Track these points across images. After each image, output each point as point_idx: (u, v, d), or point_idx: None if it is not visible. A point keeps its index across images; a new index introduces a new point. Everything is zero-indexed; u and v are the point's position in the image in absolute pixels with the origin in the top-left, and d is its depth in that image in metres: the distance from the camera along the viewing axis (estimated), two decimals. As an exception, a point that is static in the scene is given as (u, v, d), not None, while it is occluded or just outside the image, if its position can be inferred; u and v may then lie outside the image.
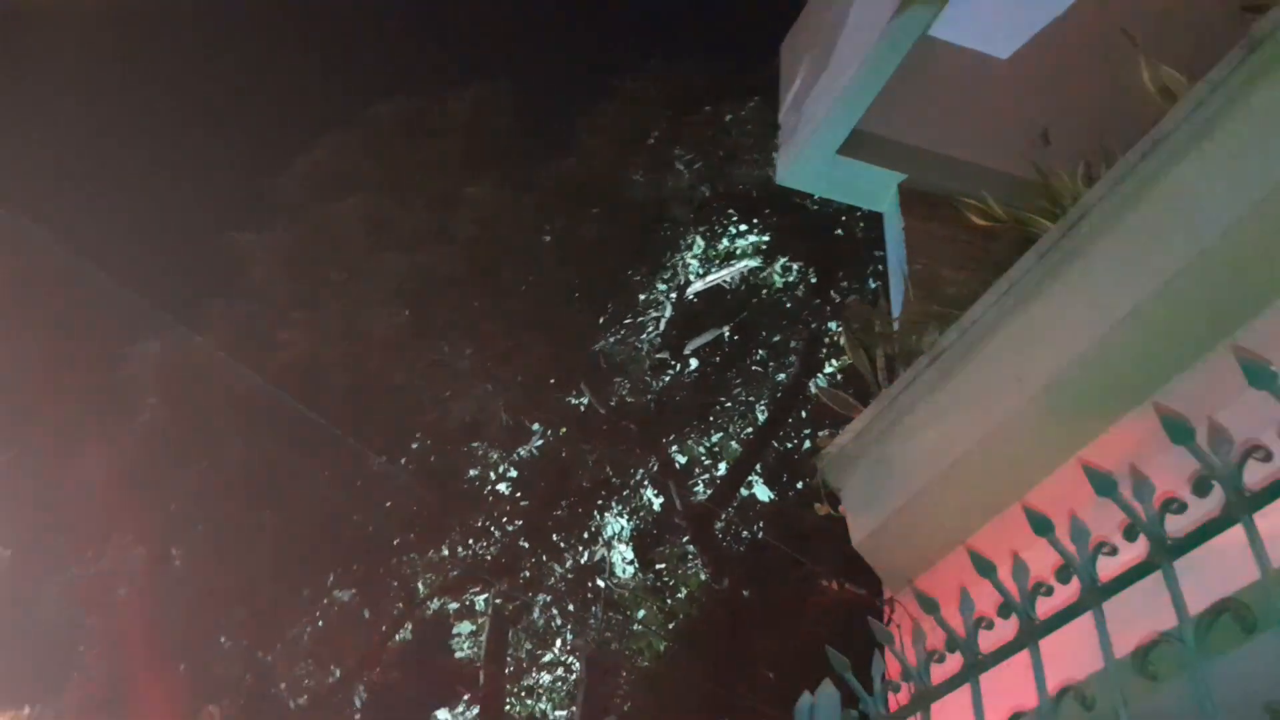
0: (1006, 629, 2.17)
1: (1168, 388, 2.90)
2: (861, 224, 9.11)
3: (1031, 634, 2.14)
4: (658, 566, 10.28)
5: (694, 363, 9.96)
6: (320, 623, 8.95)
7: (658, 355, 9.07)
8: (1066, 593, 2.09)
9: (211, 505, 8.19)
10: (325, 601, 9.35)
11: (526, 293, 7.86)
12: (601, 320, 8.71)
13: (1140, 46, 3.15)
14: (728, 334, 9.84)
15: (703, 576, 9.20)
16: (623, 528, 10.30)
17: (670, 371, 9.66)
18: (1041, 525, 2.07)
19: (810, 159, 6.08)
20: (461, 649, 11.41)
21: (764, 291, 9.66)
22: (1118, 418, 3.03)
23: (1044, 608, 2.17)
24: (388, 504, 8.60)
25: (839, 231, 9.15)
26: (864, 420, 3.70)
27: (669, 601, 9.15)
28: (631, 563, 10.41)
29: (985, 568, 2.13)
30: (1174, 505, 1.94)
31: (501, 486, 10.30)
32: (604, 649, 9.96)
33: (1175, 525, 1.94)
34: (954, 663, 2.25)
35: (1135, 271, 2.86)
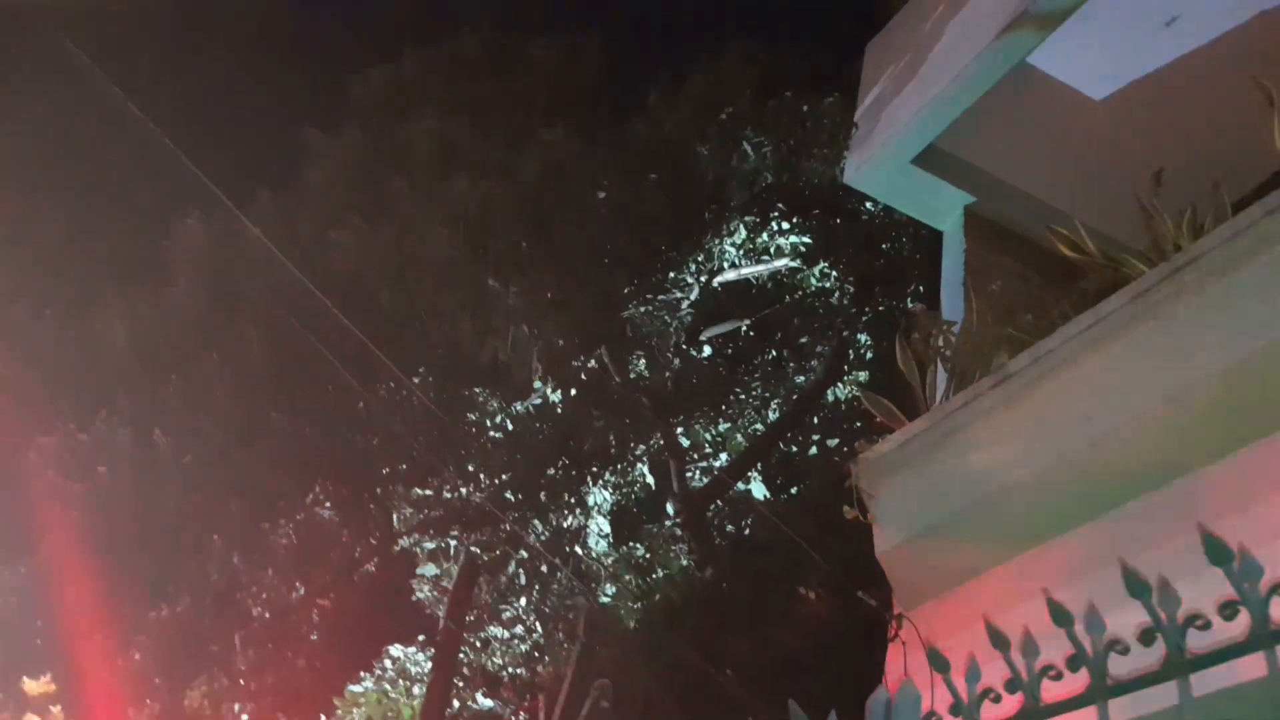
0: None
1: (1243, 453, 2.83)
2: (908, 243, 9.01)
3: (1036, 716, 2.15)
4: (632, 544, 10.25)
5: (716, 351, 9.87)
6: (295, 538, 8.92)
7: (684, 336, 9.00)
8: (1075, 681, 2.12)
9: (217, 396, 8.11)
10: (303, 517, 9.29)
11: (575, 247, 7.77)
12: (636, 289, 8.62)
13: (1275, 105, 3.05)
14: (755, 329, 9.76)
15: (684, 561, 9.16)
16: (605, 499, 10.25)
17: (693, 354, 9.58)
18: (1062, 617, 2.07)
19: (882, 164, 6.00)
20: (424, 591, 11.36)
21: (799, 292, 9.57)
22: (1179, 475, 2.97)
23: (1049, 691, 2.19)
24: (388, 430, 8.53)
25: (885, 245, 9.06)
26: (911, 431, 3.62)
27: (646, 580, 9.13)
28: (605, 536, 10.36)
29: (999, 641, 2.14)
30: (1198, 621, 1.97)
31: (498, 435, 10.22)
32: (564, 617, 9.94)
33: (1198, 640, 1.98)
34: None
35: (1234, 330, 2.78)
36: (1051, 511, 3.24)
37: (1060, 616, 2.15)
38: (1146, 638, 2.02)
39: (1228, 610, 1.96)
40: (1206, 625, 1.98)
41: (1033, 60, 5.33)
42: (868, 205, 8.74)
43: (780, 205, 8.94)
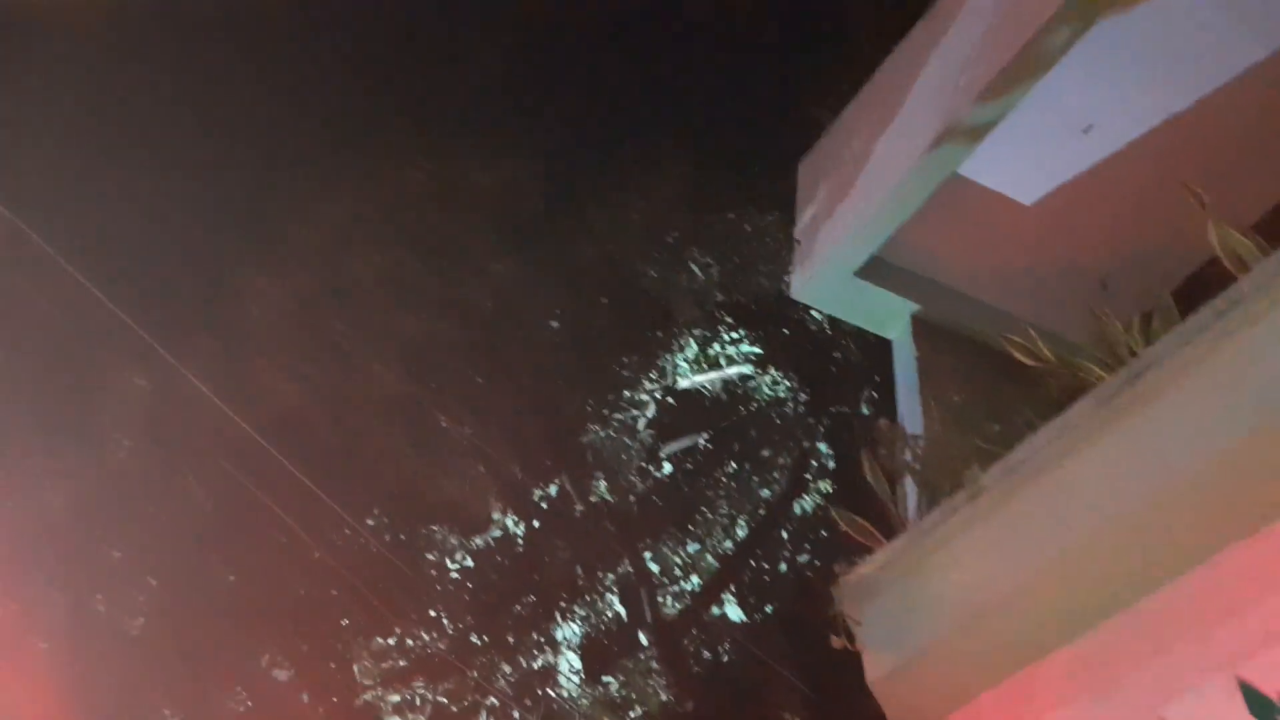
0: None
1: (1222, 556, 2.80)
2: (858, 351, 9.14)
3: None
4: (605, 679, 9.88)
5: (677, 468, 9.79)
6: (251, 703, 8.43)
7: (644, 455, 8.92)
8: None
9: (161, 556, 7.77)
10: (259, 680, 8.83)
11: (528, 375, 7.73)
12: (592, 410, 8.58)
13: (1207, 208, 3.15)
14: (714, 443, 9.72)
15: (664, 697, 8.82)
16: (575, 633, 9.92)
17: (655, 474, 9.48)
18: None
19: (826, 278, 6.07)
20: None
21: (755, 404, 9.60)
22: (1163, 582, 2.92)
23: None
24: (342, 581, 8.22)
25: (835, 354, 9.18)
26: (890, 552, 3.55)
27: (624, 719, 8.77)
28: (578, 672, 9.98)
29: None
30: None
31: (458, 575, 9.92)
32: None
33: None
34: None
35: (1199, 433, 2.78)
36: (1037, 627, 3.16)
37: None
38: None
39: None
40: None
41: (963, 170, 5.51)
42: (814, 314, 8.88)
43: (729, 319, 9.05)
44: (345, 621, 8.90)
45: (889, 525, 3.81)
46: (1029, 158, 5.52)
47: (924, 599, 3.40)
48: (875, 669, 3.49)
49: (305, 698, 8.76)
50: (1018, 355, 3.65)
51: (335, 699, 8.90)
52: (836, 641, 3.53)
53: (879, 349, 7.80)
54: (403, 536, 9.25)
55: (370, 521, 9.20)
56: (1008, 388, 4.26)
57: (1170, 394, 2.81)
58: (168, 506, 7.99)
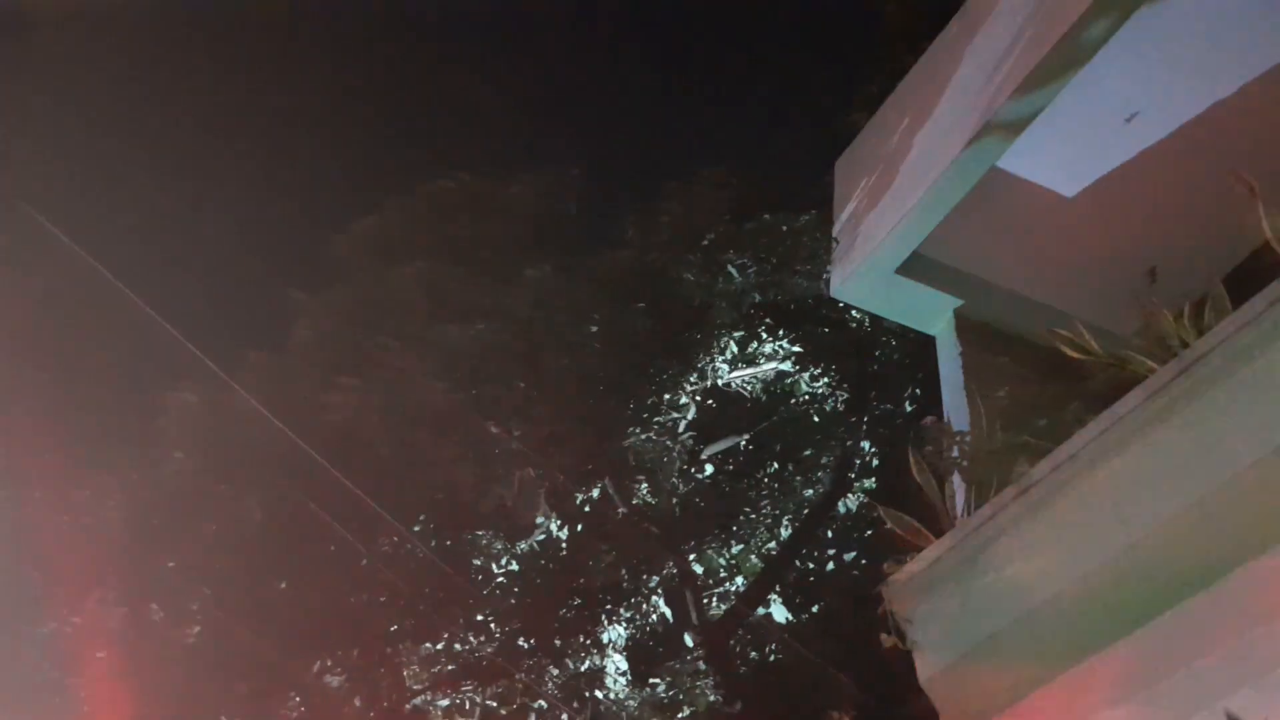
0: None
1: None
2: (899, 348, 9.07)
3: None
4: (652, 681, 9.89)
5: (719, 470, 9.79)
6: (305, 710, 8.56)
7: (685, 457, 8.94)
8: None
9: (217, 569, 7.94)
10: (312, 688, 8.96)
11: (569, 381, 7.79)
12: (633, 414, 8.62)
13: (1257, 194, 3.11)
14: (755, 444, 9.71)
15: (712, 697, 8.82)
16: (621, 635, 9.95)
17: (697, 476, 9.49)
18: None
19: (866, 276, 6.06)
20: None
21: (795, 403, 9.57)
22: (1225, 573, 2.88)
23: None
24: (392, 587, 8.33)
25: (876, 351, 9.12)
26: (939, 550, 3.53)
27: (673, 721, 8.78)
28: (624, 674, 10.01)
29: None
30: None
31: (504, 580, 9.99)
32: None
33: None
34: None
35: (1254, 425, 2.75)
36: (1092, 622, 3.14)
37: None
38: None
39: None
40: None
41: (1003, 164, 5.46)
42: (854, 314, 8.84)
43: (768, 320, 9.04)
44: (395, 627, 9.01)
45: (937, 523, 3.80)
46: (1070, 149, 5.46)
47: (975, 596, 3.38)
48: (928, 667, 3.48)
49: (357, 702, 8.88)
50: (1064, 349, 3.61)
51: (386, 704, 9.01)
52: (887, 640, 3.52)
53: (921, 345, 7.74)
54: (449, 543, 9.34)
55: (417, 528, 9.31)
56: (1054, 382, 4.23)
57: (1224, 385, 2.78)
58: (220, 518, 8.16)
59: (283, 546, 7.94)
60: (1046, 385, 4.68)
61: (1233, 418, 2.75)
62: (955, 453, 3.80)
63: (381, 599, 8.89)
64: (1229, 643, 2.77)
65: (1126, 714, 2.95)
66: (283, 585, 8.08)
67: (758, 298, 8.29)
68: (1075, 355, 3.55)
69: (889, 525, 3.95)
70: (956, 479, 3.97)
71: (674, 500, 9.12)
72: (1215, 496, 2.77)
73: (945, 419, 5.18)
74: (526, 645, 9.35)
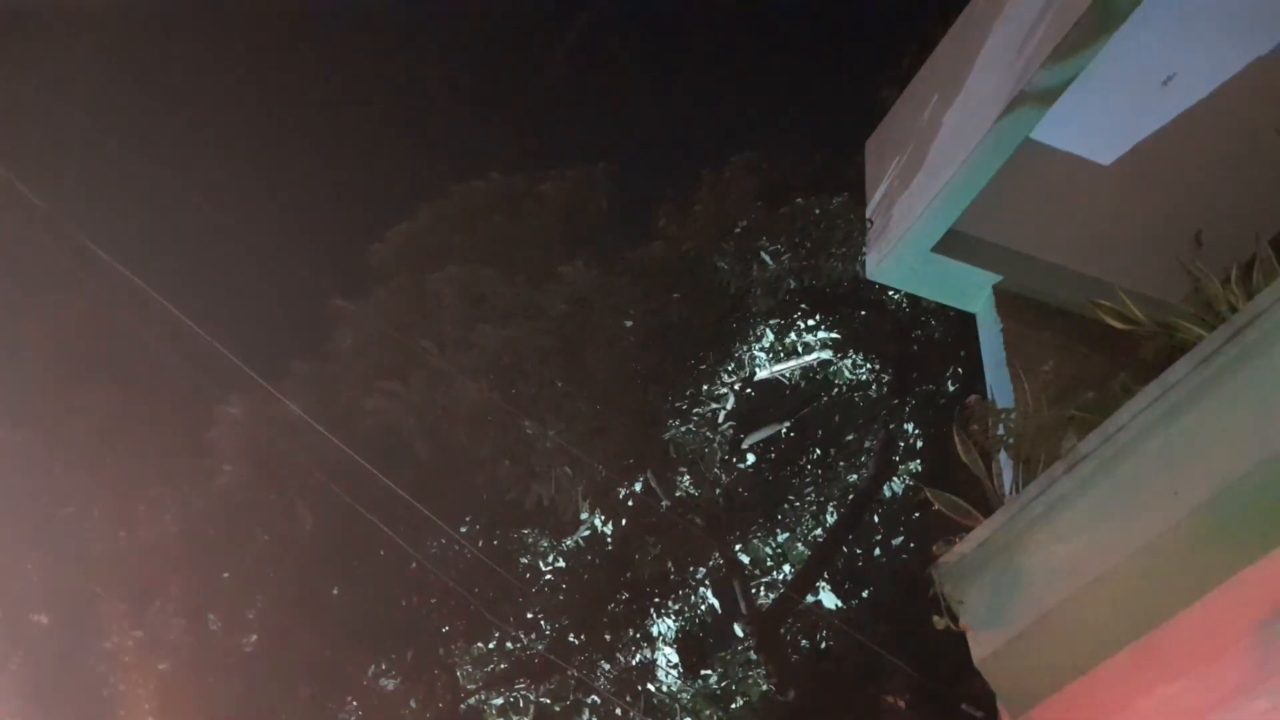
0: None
1: (1345, 510, 2.68)
2: (939, 327, 8.96)
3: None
4: (704, 672, 9.88)
5: (761, 459, 9.75)
6: (363, 714, 8.68)
7: (727, 448, 8.92)
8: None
9: (272, 577, 8.08)
10: (368, 691, 9.08)
11: (608, 376, 7.80)
12: (672, 407, 8.61)
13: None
14: (796, 430, 9.65)
15: (765, 687, 8.79)
16: (669, 628, 9.95)
17: (739, 466, 9.46)
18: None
19: (903, 256, 5.98)
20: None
21: (836, 389, 9.49)
22: (1278, 543, 2.81)
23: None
24: (442, 589, 8.41)
25: (916, 332, 9.02)
26: (989, 529, 3.48)
27: (727, 711, 8.75)
28: (675, 666, 10.01)
29: None
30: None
31: (551, 576, 10.04)
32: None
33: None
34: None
35: (1312, 383, 2.67)
36: (1150, 597, 3.07)
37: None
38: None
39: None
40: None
41: (1036, 136, 5.36)
42: (892, 294, 8.74)
43: (804, 305, 8.96)
44: (447, 628, 9.09)
45: (985, 503, 3.74)
46: (1106, 116, 5.34)
47: (1028, 574, 3.33)
48: (982, 648, 3.43)
49: (413, 704, 9.00)
50: (1108, 319, 3.54)
51: (441, 704, 9.11)
52: (939, 622, 3.48)
53: (962, 324, 7.62)
54: (496, 542, 9.41)
55: (464, 529, 9.39)
56: (1100, 354, 4.15)
57: (1275, 349, 2.71)
58: (271, 526, 8.30)
59: (334, 552, 8.06)
60: (1092, 357, 4.59)
61: (1287, 381, 2.68)
62: (1001, 430, 3.74)
63: (433, 600, 8.98)
64: (1292, 613, 2.70)
65: (1186, 688, 2.89)
66: (335, 591, 8.20)
67: (793, 283, 8.23)
68: (1120, 325, 3.48)
69: (936, 507, 3.90)
70: (1003, 457, 3.90)
71: (717, 491, 9.10)
72: (1271, 463, 2.69)
73: (990, 397, 5.11)
74: (577, 641, 9.38)
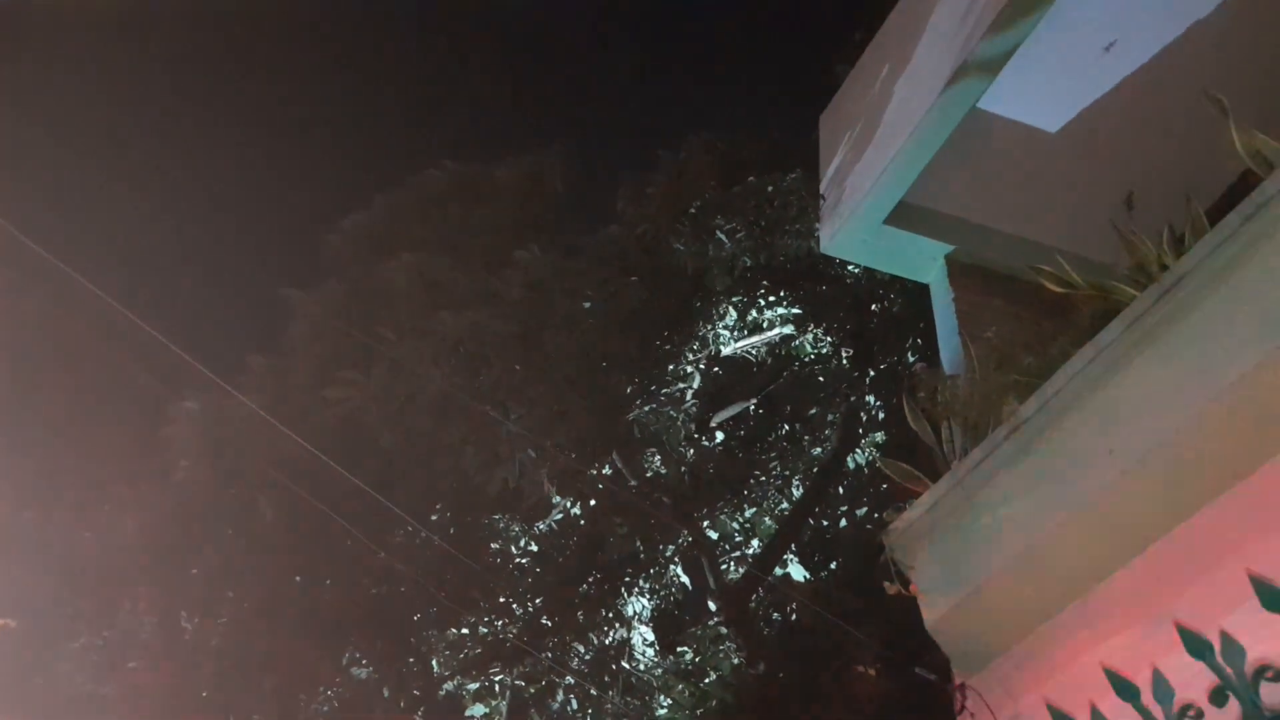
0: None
1: (1272, 465, 2.74)
2: (899, 299, 9.02)
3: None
4: (680, 649, 9.95)
5: (727, 435, 9.79)
6: (336, 704, 8.66)
7: (693, 426, 8.94)
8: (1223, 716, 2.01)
9: (237, 571, 8.03)
10: (340, 681, 9.06)
11: (568, 359, 7.79)
12: (637, 389, 8.62)
13: (1228, 112, 3.06)
14: (762, 406, 9.70)
15: (735, 660, 8.87)
16: (644, 607, 10.00)
17: (705, 444, 9.50)
18: (1198, 646, 1.99)
19: (856, 229, 6.01)
20: (476, 733, 10.94)
21: (798, 364, 9.54)
22: (1218, 494, 2.87)
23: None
24: (410, 577, 8.40)
25: (874, 305, 9.07)
26: (935, 494, 3.53)
27: (698, 686, 8.83)
28: (651, 644, 10.07)
29: (1125, 691, 2.05)
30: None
31: (523, 561, 10.05)
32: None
33: None
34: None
35: (1238, 339, 2.73)
36: (1091, 554, 3.13)
37: (1196, 645, 2.04)
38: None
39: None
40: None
41: (983, 105, 5.39)
42: (850, 269, 8.78)
43: (764, 283, 8.99)
44: (418, 616, 9.08)
45: (938, 472, 3.79)
46: (1050, 84, 5.38)
47: (974, 537, 3.38)
48: (933, 612, 3.49)
49: (386, 693, 9.00)
50: (1048, 284, 3.59)
51: (417, 691, 9.12)
52: (890, 588, 3.53)
53: (920, 294, 7.66)
54: (465, 529, 9.40)
55: (434, 517, 9.37)
56: (1045, 320, 4.20)
57: (1204, 306, 2.76)
58: (234, 522, 8.23)
59: (299, 545, 8.02)
60: (1042, 323, 4.65)
61: (1214, 338, 2.73)
62: (947, 397, 3.79)
63: (402, 589, 8.96)
64: (1225, 562, 2.77)
65: (1129, 641, 2.96)
66: (301, 580, 8.17)
67: (749, 261, 8.25)
68: (1059, 290, 3.53)
69: (892, 476, 3.95)
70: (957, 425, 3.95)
71: (682, 469, 9.14)
72: (1202, 420, 2.75)
73: (942, 365, 5.16)
74: (549, 623, 9.41)
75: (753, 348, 9.65)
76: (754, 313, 9.32)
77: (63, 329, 9.77)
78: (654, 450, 8.96)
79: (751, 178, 7.87)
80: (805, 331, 9.11)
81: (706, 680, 8.75)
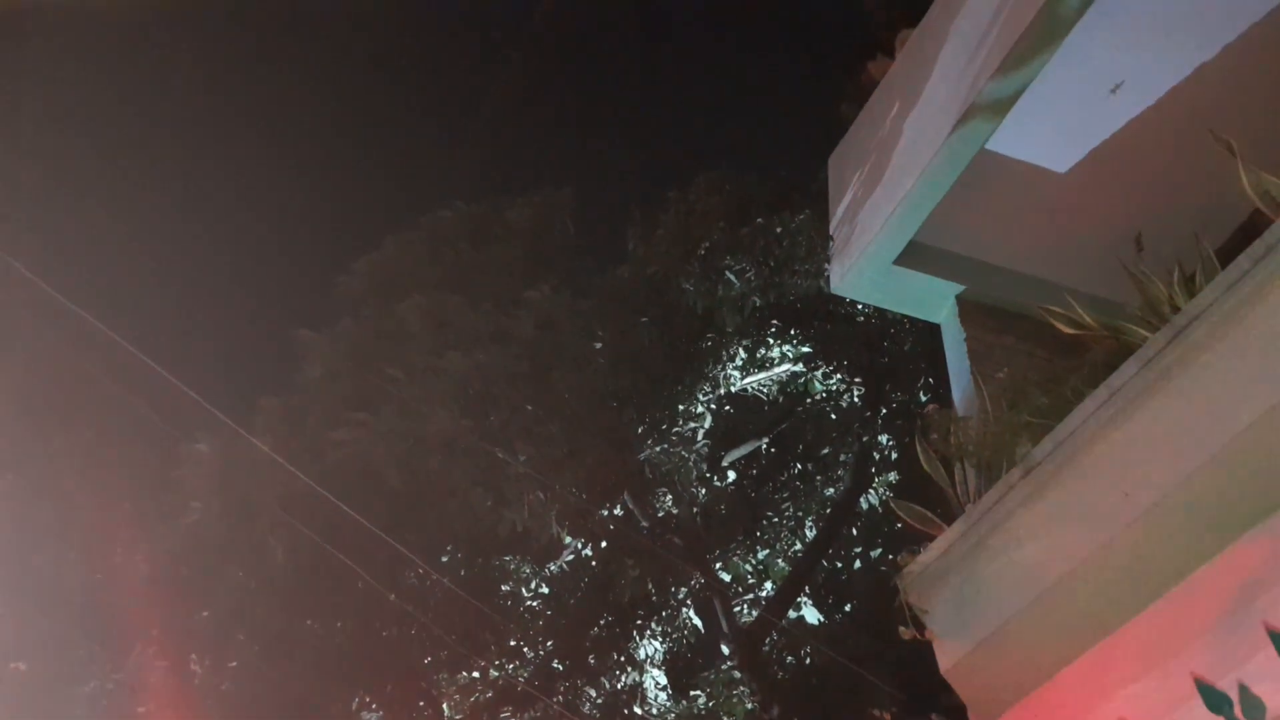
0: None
1: (1293, 505, 2.71)
2: (910, 337, 8.99)
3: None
4: (693, 693, 9.81)
5: (739, 475, 9.73)
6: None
7: (705, 466, 8.89)
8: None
9: (248, 614, 7.99)
10: (352, 724, 8.97)
11: (579, 399, 7.77)
12: (648, 429, 8.58)
13: (1236, 153, 3.06)
14: (774, 446, 9.64)
15: (749, 705, 8.73)
16: (656, 650, 9.87)
17: (717, 483, 9.43)
18: (1216, 700, 1.96)
19: (865, 269, 6.02)
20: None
21: (810, 401, 9.49)
22: (1236, 537, 2.83)
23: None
24: (421, 620, 8.33)
25: (885, 343, 9.04)
26: (949, 539, 3.49)
27: (712, 731, 8.71)
28: (664, 689, 9.92)
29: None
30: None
31: (535, 603, 9.97)
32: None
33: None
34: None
35: (1253, 380, 2.70)
36: (1107, 600, 3.09)
37: (1215, 700, 2.00)
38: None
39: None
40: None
41: (992, 146, 5.41)
42: (861, 307, 8.77)
43: (774, 322, 8.98)
44: (428, 660, 9.00)
45: (951, 512, 3.75)
46: (1059, 125, 5.41)
47: (988, 581, 3.34)
48: (948, 657, 3.43)
49: (397, 738, 8.91)
50: (1059, 325, 3.57)
51: (426, 737, 9.03)
52: (905, 633, 3.48)
53: (931, 333, 7.64)
54: (475, 571, 9.33)
55: (444, 559, 9.31)
56: (1058, 358, 4.18)
57: (1217, 347, 2.74)
58: (245, 564, 8.20)
59: (310, 586, 7.98)
60: (1053, 361, 4.62)
61: (1227, 380, 2.71)
62: (959, 438, 3.76)
63: (413, 631, 8.88)
64: (1246, 607, 2.72)
65: (1147, 689, 2.90)
66: (312, 623, 8.11)
67: (758, 301, 8.24)
68: (1070, 330, 3.51)
69: (904, 518, 3.91)
70: (970, 465, 3.91)
71: (694, 510, 9.07)
72: (1217, 462, 2.72)
73: (955, 404, 5.13)
74: (561, 667, 9.29)
75: (763, 386, 9.62)
76: (764, 351, 9.30)
77: (74, 371, 9.83)
78: (665, 490, 8.92)
79: (760, 218, 7.92)
80: (815, 369, 9.09)
81: (720, 726, 8.63)
